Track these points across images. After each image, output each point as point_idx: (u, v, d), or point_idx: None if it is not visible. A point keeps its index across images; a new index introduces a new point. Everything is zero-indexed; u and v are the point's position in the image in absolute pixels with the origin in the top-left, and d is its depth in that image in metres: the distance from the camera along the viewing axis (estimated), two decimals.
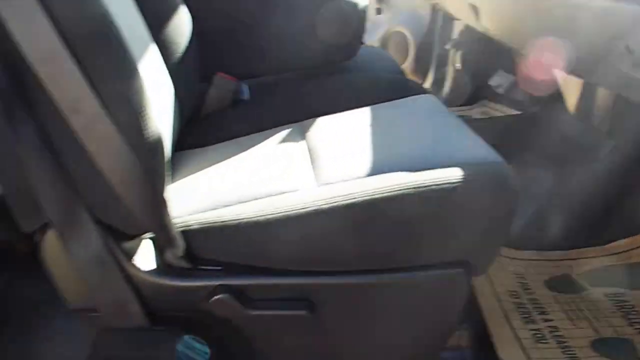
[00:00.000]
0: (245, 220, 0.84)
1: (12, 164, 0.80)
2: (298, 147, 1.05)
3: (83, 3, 0.72)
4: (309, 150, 1.03)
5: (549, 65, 1.55)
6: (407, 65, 2.41)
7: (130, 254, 0.86)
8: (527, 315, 1.26)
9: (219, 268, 0.88)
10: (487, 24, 1.44)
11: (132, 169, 0.75)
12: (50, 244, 0.85)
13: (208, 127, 1.23)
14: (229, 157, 1.06)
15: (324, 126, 1.11)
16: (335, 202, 0.82)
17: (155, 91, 0.90)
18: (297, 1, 1.34)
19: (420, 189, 0.82)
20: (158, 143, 0.78)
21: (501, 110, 2.22)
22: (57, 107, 0.72)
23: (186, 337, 0.87)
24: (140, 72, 0.76)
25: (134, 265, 0.85)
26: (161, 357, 0.86)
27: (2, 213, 1.48)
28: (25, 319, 1.28)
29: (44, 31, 0.69)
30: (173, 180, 0.99)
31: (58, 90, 0.71)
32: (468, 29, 2.13)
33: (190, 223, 0.86)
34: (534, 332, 1.21)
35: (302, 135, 1.10)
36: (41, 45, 0.69)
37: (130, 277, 0.85)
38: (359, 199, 0.82)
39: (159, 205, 0.79)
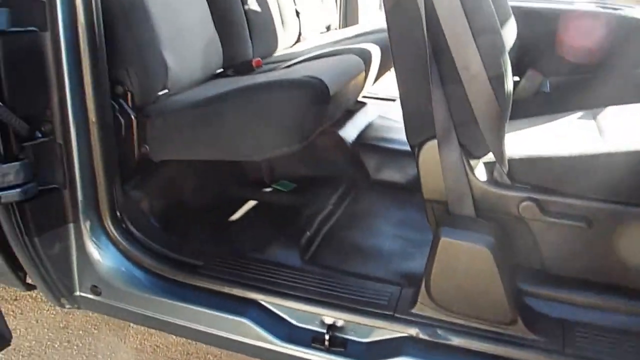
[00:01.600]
0: (554, 157, 1.30)
1: (416, 96, 1.34)
2: (588, 124, 1.47)
3: None
4: (598, 128, 1.44)
5: None
6: None
7: (472, 168, 1.36)
8: None
9: (528, 187, 1.34)
10: None
11: (492, 108, 1.25)
12: (427, 153, 1.38)
13: (516, 108, 1.70)
14: (532, 125, 1.52)
15: (611, 113, 1.51)
16: (622, 149, 1.24)
17: None
18: None
19: None
20: (510, 93, 1.28)
21: None
22: (454, 63, 1.24)
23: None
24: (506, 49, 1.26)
25: (474, 175, 1.35)
26: (478, 239, 1.33)
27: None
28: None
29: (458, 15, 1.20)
30: None
31: (458, 54, 1.23)
32: None
33: (512, 155, 1.34)
34: None
35: (592, 117, 1.51)
36: (455, 27, 1.22)
37: (470, 182, 1.35)
38: None
39: (502, 135, 1.28)
